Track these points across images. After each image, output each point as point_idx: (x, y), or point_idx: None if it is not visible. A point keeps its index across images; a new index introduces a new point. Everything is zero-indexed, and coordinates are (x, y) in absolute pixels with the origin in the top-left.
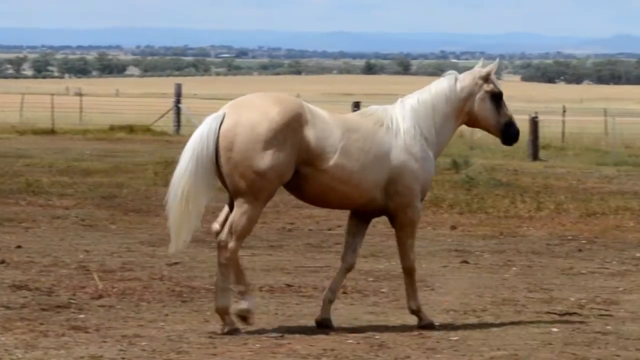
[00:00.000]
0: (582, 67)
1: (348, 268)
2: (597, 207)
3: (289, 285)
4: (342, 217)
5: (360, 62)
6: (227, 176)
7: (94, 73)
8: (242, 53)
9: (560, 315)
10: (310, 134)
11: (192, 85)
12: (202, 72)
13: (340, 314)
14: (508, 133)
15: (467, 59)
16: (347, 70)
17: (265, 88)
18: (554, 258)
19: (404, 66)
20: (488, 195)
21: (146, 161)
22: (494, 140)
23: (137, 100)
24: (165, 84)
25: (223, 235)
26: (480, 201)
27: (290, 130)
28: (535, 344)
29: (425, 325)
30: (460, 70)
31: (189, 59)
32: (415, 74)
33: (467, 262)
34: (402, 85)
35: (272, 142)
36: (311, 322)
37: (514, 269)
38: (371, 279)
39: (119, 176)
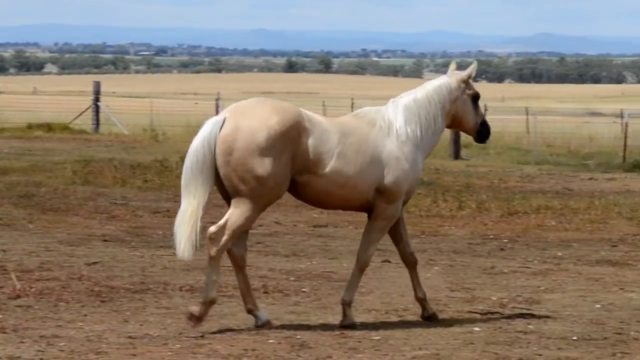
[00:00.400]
0: (504, 65)
1: (413, 265)
2: (518, 206)
3: None
4: (262, 215)
5: (281, 60)
6: (226, 178)
7: (11, 71)
8: (162, 51)
9: (482, 314)
10: (308, 141)
11: (111, 83)
12: (121, 70)
13: None
14: (483, 132)
15: (388, 57)
16: (268, 69)
17: (185, 87)
18: (476, 257)
19: (325, 64)
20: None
21: (64, 160)
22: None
23: (55, 98)
24: (84, 82)
25: (215, 228)
26: None
27: (289, 139)
28: (457, 343)
29: (347, 325)
30: (383, 69)
31: (108, 56)
32: (337, 72)
33: (389, 262)
34: (323, 83)
35: (271, 150)
36: (233, 322)
37: (436, 268)
38: (293, 279)
39: (36, 175)
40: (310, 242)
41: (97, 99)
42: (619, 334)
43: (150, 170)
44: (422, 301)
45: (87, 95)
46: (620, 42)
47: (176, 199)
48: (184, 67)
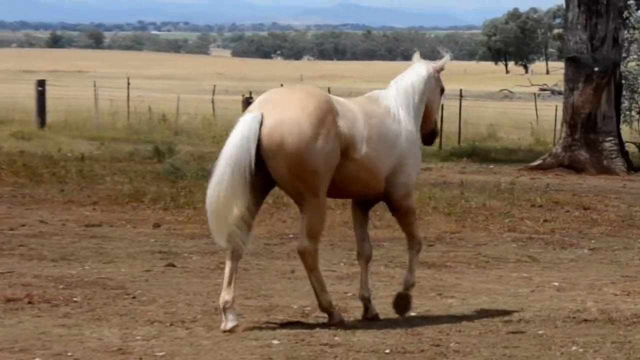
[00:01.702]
0: (301, 40)
1: (367, 260)
2: None
3: None
4: (25, 214)
5: (45, 34)
6: (281, 179)
7: None
8: None
9: (281, 325)
10: (342, 124)
11: None
12: None
13: (25, 327)
14: (435, 132)
15: (169, 31)
16: (29, 44)
17: None
18: (274, 260)
19: (95, 39)
20: (197, 188)
21: None
22: (202, 125)
23: None
24: None
25: (303, 242)
26: (188, 195)
27: (329, 122)
28: (253, 358)
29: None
30: (163, 44)
31: None
32: (109, 48)
33: (173, 266)
34: (93, 61)
35: (319, 135)
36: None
37: None
38: (62, 287)
39: None
40: (81, 244)
41: None
42: (437, 345)
43: None
44: (368, 300)
45: None
46: (434, 14)
47: None
48: None
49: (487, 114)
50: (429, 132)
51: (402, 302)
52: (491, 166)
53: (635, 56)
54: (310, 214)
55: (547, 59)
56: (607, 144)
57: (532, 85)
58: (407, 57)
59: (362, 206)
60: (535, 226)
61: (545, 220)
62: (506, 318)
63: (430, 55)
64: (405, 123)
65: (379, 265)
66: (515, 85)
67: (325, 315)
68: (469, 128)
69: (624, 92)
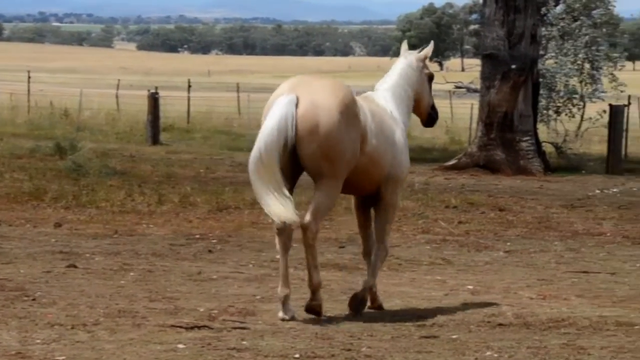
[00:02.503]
0: (210, 34)
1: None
2: (229, 200)
3: None
4: None
5: None
6: (310, 159)
7: None
8: None
9: (187, 328)
10: (361, 116)
11: None
12: None
13: None
14: (433, 115)
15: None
16: None
17: None
18: (180, 261)
19: None
20: (100, 186)
21: None
22: (106, 121)
23: None
24: None
25: (308, 216)
26: (91, 193)
27: (353, 112)
28: None
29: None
30: (66, 36)
31: None
32: (9, 39)
33: (75, 266)
34: None
35: (347, 122)
36: None
37: (132, 274)
38: None
39: None
40: None
41: None
42: (349, 350)
43: None
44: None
45: None
46: (347, 8)
47: None
48: None
49: None
50: (427, 117)
51: (359, 301)
52: None
53: (553, 54)
54: (324, 194)
55: (462, 56)
56: (523, 144)
57: (447, 82)
58: (319, 52)
59: (364, 207)
60: (450, 228)
61: (459, 222)
62: (419, 322)
63: (343, 49)
64: (399, 121)
65: (288, 268)
66: None
67: (239, 319)
68: None
69: (541, 91)
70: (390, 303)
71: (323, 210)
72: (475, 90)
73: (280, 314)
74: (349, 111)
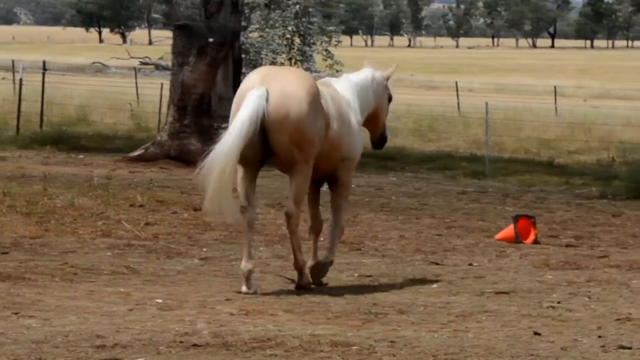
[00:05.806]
0: None
1: (318, 234)
2: None
3: None
4: None
5: None
6: (282, 147)
7: None
8: None
9: None
10: (324, 103)
11: None
12: None
13: None
14: (385, 137)
15: None
16: None
17: None
18: None
19: None
20: None
21: None
22: None
23: None
24: None
25: (290, 207)
26: None
27: (319, 101)
28: None
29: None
30: None
31: None
32: None
33: None
34: None
35: (315, 111)
36: None
37: None
38: None
39: None
40: None
41: None
42: None
43: None
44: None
45: None
46: None
47: None
48: None
49: (77, 92)
50: (379, 137)
51: (320, 270)
52: (81, 156)
53: (258, 25)
54: (299, 180)
55: (149, 27)
56: (223, 132)
57: (132, 57)
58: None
59: (314, 185)
60: (135, 230)
61: (147, 224)
62: (99, 342)
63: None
64: (353, 106)
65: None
66: (110, 57)
67: None
68: (53, 109)
69: (244, 69)
70: (63, 320)
71: (301, 195)
72: (165, 68)
73: (244, 288)
74: (316, 100)
